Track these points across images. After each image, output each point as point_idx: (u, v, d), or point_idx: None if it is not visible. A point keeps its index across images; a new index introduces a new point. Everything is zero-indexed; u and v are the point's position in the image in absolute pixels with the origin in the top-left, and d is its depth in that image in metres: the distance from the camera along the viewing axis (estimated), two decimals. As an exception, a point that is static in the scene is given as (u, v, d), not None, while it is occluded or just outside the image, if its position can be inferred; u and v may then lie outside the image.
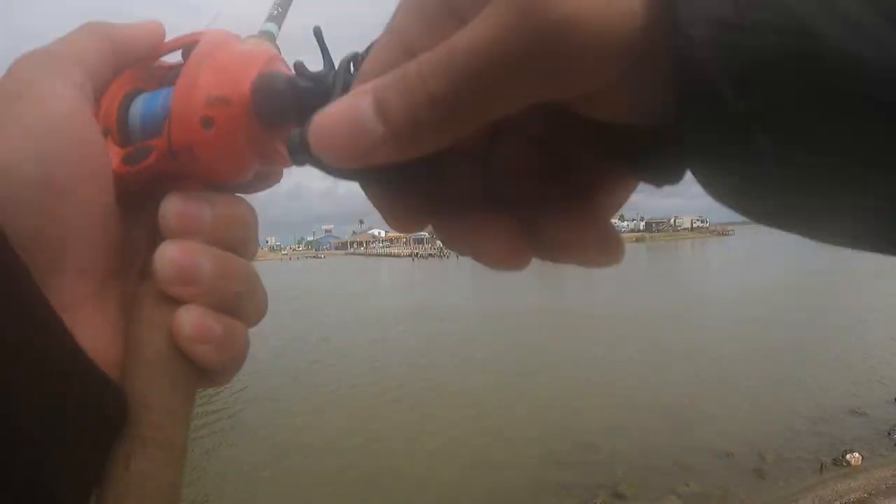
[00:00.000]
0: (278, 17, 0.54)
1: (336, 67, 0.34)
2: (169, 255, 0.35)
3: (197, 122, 0.35)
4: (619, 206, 0.30)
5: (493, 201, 0.29)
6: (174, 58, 0.42)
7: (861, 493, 6.54)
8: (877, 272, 23.57)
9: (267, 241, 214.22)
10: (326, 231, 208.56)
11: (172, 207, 0.35)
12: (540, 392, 10.63)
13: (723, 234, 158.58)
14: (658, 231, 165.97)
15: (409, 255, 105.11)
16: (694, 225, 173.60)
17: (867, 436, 8.29)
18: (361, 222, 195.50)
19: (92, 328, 0.33)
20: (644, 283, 31.87)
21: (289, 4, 0.57)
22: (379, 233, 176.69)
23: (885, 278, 21.94)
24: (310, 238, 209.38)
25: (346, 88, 0.31)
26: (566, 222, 0.28)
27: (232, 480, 7.57)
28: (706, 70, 0.20)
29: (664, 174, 0.26)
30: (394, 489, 7.01)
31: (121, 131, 0.38)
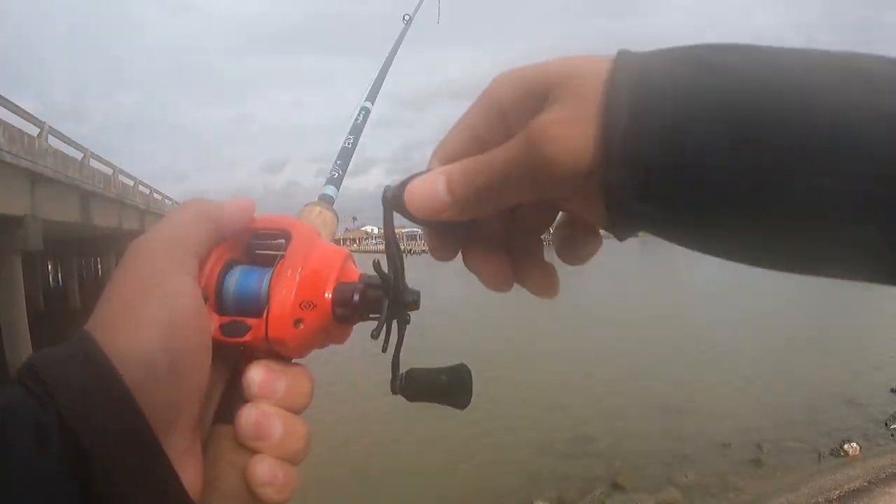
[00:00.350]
0: (337, 180, 0.66)
1: (393, 279, 0.46)
2: (251, 417, 0.43)
3: (291, 322, 0.44)
4: (592, 254, 0.44)
5: (496, 245, 0.45)
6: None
7: (860, 481, 6.51)
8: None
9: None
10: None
11: (256, 376, 0.44)
12: (537, 384, 10.63)
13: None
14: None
15: (403, 252, 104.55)
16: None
17: (864, 426, 8.30)
18: (354, 219, 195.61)
19: (189, 469, 0.40)
20: (641, 277, 31.99)
21: (346, 167, 0.70)
22: (372, 229, 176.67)
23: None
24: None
25: (397, 299, 0.46)
26: (538, 269, 0.45)
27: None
28: (622, 190, 0.35)
29: (620, 234, 0.39)
30: (386, 483, 6.95)
31: (218, 299, 0.45)
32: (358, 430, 8.60)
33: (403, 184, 0.43)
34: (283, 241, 0.48)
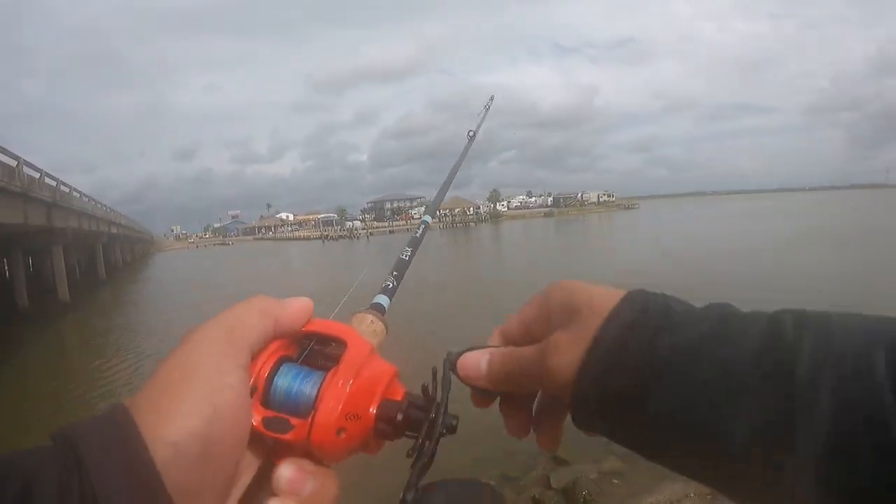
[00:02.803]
0: (391, 291, 0.70)
1: (439, 400, 0.51)
2: None
3: (334, 430, 0.46)
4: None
5: (525, 403, 0.58)
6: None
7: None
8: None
9: (173, 230, 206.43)
10: (233, 216, 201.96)
11: (287, 473, 0.46)
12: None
13: (629, 207, 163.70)
14: (566, 206, 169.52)
15: (320, 238, 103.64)
16: (601, 199, 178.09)
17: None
18: (269, 206, 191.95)
19: None
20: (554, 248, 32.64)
21: (402, 279, 0.74)
22: (287, 216, 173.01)
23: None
24: (217, 224, 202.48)
25: (442, 422, 0.50)
26: (549, 429, 0.58)
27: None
28: (586, 403, 0.49)
29: (582, 428, 0.52)
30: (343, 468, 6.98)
31: (265, 393, 0.48)
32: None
33: (461, 352, 0.57)
34: (337, 347, 0.51)
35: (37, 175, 26.20)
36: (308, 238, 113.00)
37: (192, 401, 0.40)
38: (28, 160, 24.04)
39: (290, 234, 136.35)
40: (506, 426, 0.58)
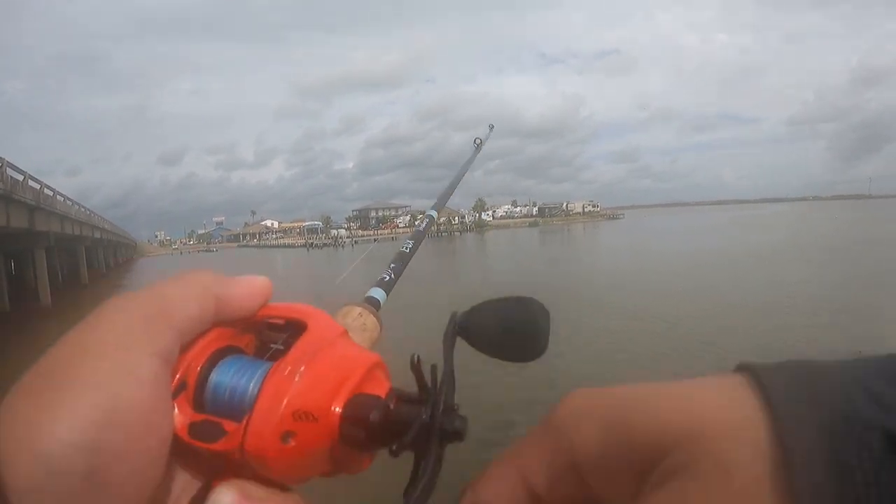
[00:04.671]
0: (388, 284, 0.62)
1: (430, 396, 0.36)
2: None
3: (277, 435, 0.34)
4: None
5: None
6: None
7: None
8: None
9: (157, 236, 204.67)
10: (217, 223, 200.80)
11: (224, 500, 0.33)
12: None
13: (613, 217, 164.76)
14: (551, 216, 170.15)
15: (304, 245, 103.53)
16: (586, 209, 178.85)
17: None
18: (253, 213, 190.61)
19: None
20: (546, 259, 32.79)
21: (400, 272, 0.66)
22: (272, 223, 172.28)
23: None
24: (201, 231, 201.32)
25: (434, 423, 0.36)
26: None
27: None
28: None
29: None
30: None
31: (197, 393, 0.36)
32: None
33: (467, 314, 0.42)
34: (295, 333, 0.38)
35: (20, 177, 26.14)
36: (293, 245, 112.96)
37: (77, 396, 0.29)
38: (11, 162, 23.93)
39: (274, 242, 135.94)
40: None
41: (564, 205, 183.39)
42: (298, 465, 0.35)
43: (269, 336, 0.40)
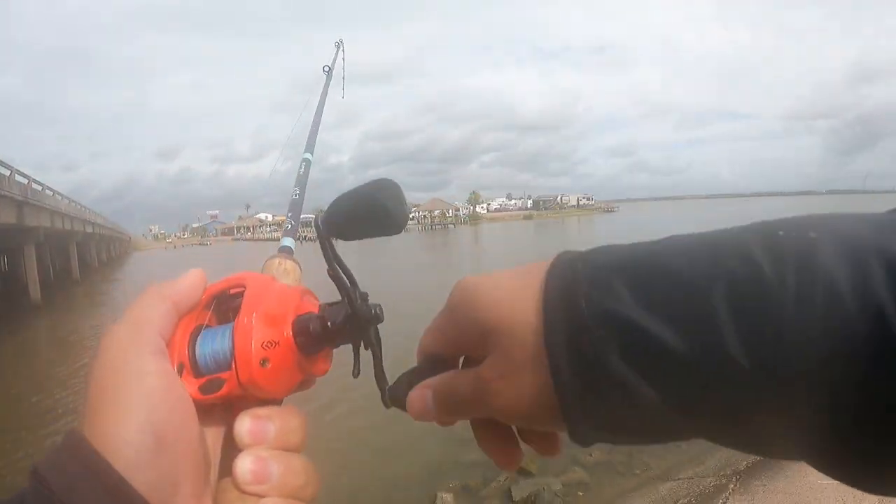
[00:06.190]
0: (291, 231, 0.73)
1: (348, 301, 0.50)
2: (245, 465, 0.46)
3: (258, 363, 0.47)
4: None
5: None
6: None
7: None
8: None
9: (151, 230, 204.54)
10: (212, 217, 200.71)
11: (244, 426, 0.47)
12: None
13: (608, 210, 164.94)
14: (546, 209, 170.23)
15: (298, 239, 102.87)
16: (580, 202, 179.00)
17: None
18: (248, 206, 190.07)
19: None
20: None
21: (298, 218, 0.76)
22: (266, 216, 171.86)
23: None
24: (195, 224, 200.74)
25: (355, 314, 0.50)
26: (538, 436, 0.47)
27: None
28: (575, 432, 0.40)
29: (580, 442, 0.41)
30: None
31: (193, 365, 0.48)
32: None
33: (409, 383, 0.50)
34: (241, 295, 0.51)
35: (7, 172, 25.65)
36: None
37: (126, 399, 0.41)
38: (4, 157, 23.57)
39: (268, 235, 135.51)
40: (490, 456, 0.49)
41: (559, 198, 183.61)
42: (281, 380, 0.49)
43: (229, 304, 0.52)
